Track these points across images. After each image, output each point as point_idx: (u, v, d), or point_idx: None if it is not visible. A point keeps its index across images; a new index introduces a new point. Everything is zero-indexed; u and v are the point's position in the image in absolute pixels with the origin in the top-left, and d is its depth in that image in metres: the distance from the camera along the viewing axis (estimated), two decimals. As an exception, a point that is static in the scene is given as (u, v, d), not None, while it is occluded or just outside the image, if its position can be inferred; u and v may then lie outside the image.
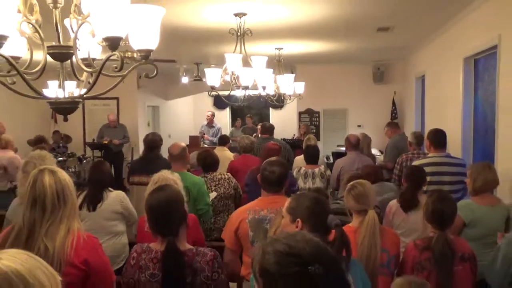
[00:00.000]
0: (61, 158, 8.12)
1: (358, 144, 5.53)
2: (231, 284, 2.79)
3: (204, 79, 5.41)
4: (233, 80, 5.01)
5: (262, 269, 1.17)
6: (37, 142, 7.09)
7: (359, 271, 2.02)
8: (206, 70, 5.04)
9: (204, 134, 10.44)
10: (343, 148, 9.00)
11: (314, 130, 10.18)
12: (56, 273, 1.10)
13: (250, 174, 4.39)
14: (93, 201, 3.48)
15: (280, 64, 7.39)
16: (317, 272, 1.11)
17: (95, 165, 3.82)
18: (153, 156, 4.60)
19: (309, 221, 1.98)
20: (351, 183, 2.81)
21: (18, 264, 1.02)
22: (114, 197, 3.54)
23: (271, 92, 6.61)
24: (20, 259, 1.04)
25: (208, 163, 4.47)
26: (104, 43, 1.60)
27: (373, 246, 2.48)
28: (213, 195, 4.20)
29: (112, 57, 1.62)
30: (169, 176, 2.99)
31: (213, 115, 10.95)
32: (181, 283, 2.04)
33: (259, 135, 7.72)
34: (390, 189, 4.42)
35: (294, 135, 9.76)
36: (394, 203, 3.54)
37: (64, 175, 2.07)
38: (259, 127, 9.17)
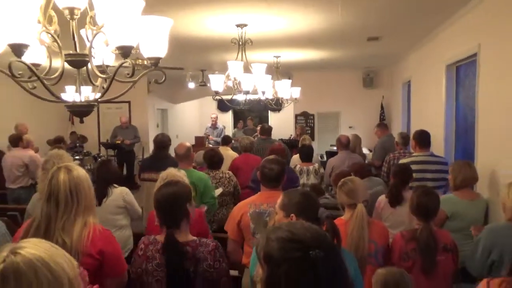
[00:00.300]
0: (78, 157, 8.13)
1: (349, 144, 5.54)
2: (233, 272, 2.79)
3: (208, 85, 5.40)
4: (235, 85, 5.02)
5: (267, 255, 1.17)
6: (56, 142, 7.10)
7: (350, 260, 2.01)
8: (211, 76, 5.04)
9: (209, 135, 10.47)
10: (336, 148, 9.04)
11: (309, 131, 10.16)
12: (73, 258, 1.09)
13: (256, 171, 4.39)
14: (99, 196, 3.46)
15: (278, 70, 7.39)
16: (317, 255, 1.11)
17: (101, 164, 3.78)
18: (162, 155, 4.59)
19: (301, 215, 1.97)
20: (343, 180, 2.81)
21: (42, 251, 1.02)
22: (118, 193, 3.50)
23: (270, 96, 6.61)
24: (43, 247, 1.04)
25: (214, 161, 4.48)
26: (117, 52, 1.60)
27: (361, 237, 2.47)
28: (219, 191, 4.20)
29: (124, 64, 1.62)
30: (177, 173, 2.99)
31: (217, 117, 10.99)
32: (182, 270, 2.03)
33: (258, 136, 7.75)
34: (379, 183, 4.44)
35: (291, 135, 9.75)
36: (382, 199, 3.54)
37: (79, 172, 2.05)
38: (258, 128, 9.16)
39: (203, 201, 3.79)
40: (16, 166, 5.83)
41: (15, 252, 0.99)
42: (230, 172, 4.59)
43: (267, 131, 6.61)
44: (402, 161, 4.26)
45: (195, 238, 2.14)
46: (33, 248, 1.02)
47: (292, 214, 1.97)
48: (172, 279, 2.05)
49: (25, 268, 0.97)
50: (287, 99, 7.56)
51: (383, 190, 4.19)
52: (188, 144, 4.23)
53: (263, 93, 5.66)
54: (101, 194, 3.46)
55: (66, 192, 1.97)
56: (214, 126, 10.71)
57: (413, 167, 4.01)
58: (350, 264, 1.90)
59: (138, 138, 9.57)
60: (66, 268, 1.03)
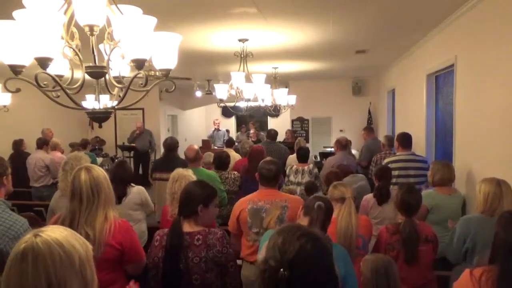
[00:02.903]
0: (97, 158, 8.11)
1: (347, 145, 5.52)
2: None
3: (214, 93, 5.42)
4: (238, 94, 5.03)
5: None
6: (81, 145, 7.08)
7: (343, 256, 1.96)
8: (216, 86, 5.04)
9: (211, 137, 10.68)
10: (329, 149, 9.05)
11: (305, 135, 10.17)
12: (88, 242, 1.15)
13: (243, 170, 4.52)
14: (118, 195, 3.43)
15: (276, 80, 7.40)
16: (283, 275, 1.05)
17: (118, 165, 3.63)
18: (171, 156, 4.54)
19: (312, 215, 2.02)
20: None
21: (58, 234, 1.09)
22: (136, 192, 3.46)
23: (269, 103, 6.62)
24: (60, 230, 1.12)
25: (222, 162, 4.48)
26: (131, 64, 1.60)
27: (349, 224, 2.47)
28: None
29: (138, 75, 1.63)
30: (185, 173, 2.99)
31: (219, 122, 11.23)
32: (178, 253, 2.04)
33: (254, 139, 7.90)
34: (362, 178, 4.43)
35: (284, 139, 9.54)
36: (370, 197, 3.51)
37: (98, 171, 2.06)
38: (252, 131, 9.17)
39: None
40: (38, 167, 5.84)
41: (37, 234, 1.07)
42: (235, 173, 4.57)
43: (273, 136, 6.58)
44: (386, 160, 4.27)
45: (204, 228, 2.16)
46: (52, 231, 1.09)
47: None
48: (169, 261, 2.06)
49: (42, 247, 1.03)
50: (284, 106, 7.56)
51: (365, 185, 4.19)
52: (196, 146, 4.22)
53: (263, 100, 5.68)
54: (121, 193, 3.45)
55: (88, 189, 1.99)
56: (217, 129, 10.88)
57: (397, 165, 4.01)
58: (341, 260, 1.87)
59: (153, 143, 9.60)
60: (77, 247, 1.09)
